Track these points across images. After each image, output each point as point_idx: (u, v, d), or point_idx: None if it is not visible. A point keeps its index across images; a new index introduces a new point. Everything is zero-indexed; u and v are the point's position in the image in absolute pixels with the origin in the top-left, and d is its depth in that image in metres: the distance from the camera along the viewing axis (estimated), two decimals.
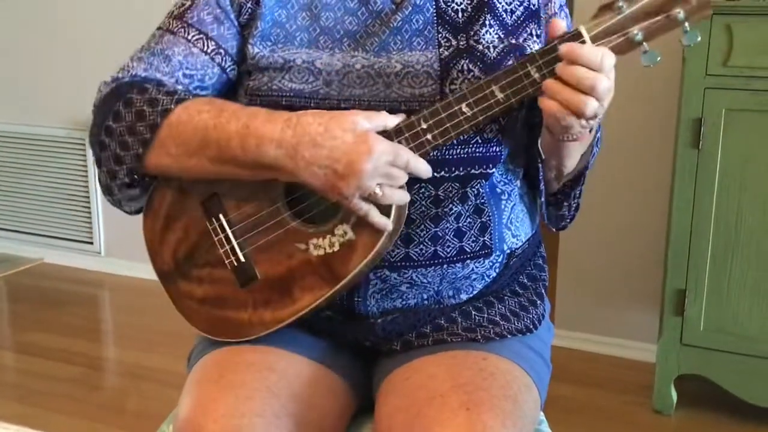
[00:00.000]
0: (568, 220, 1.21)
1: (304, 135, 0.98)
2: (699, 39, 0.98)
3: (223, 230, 1.08)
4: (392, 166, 0.99)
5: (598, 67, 0.95)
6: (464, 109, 1.01)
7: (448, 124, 1.01)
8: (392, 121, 1.01)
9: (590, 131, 1.04)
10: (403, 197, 1.02)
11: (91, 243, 3.46)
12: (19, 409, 2.33)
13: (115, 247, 3.39)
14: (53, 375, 2.54)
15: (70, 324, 2.92)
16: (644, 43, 0.98)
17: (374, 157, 0.97)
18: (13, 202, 3.60)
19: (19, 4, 3.38)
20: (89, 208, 3.41)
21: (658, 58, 0.98)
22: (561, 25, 1.00)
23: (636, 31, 0.97)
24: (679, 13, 0.96)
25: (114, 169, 1.09)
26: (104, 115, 1.09)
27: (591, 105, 0.95)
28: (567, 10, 1.18)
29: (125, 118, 1.07)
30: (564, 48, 0.96)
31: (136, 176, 1.09)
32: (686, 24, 0.97)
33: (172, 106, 1.05)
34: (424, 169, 1.02)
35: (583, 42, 0.97)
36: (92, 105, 1.12)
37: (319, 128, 0.98)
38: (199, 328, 1.13)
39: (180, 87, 1.11)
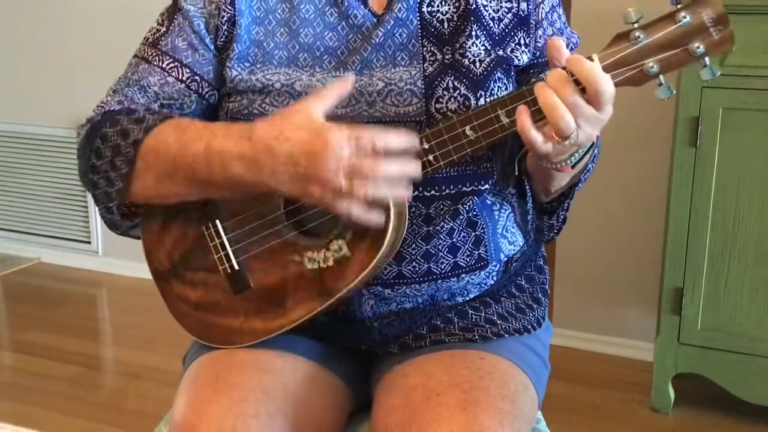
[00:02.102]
0: (555, 231, 1.17)
1: (260, 144, 0.95)
2: (718, 74, 0.93)
3: (219, 236, 1.07)
4: (359, 156, 0.92)
5: (594, 91, 0.91)
6: (468, 132, 0.98)
7: (450, 146, 0.98)
8: (340, 88, 0.96)
9: (570, 165, 1.00)
10: (384, 194, 0.94)
11: (89, 242, 3.46)
12: (17, 408, 2.33)
13: (113, 247, 3.38)
14: (50, 374, 2.54)
15: (68, 323, 2.91)
16: (660, 76, 0.94)
17: (334, 149, 0.91)
18: (11, 201, 3.59)
19: (18, 3, 3.38)
20: (87, 207, 3.40)
21: (674, 92, 0.95)
22: (556, 44, 0.94)
23: (652, 64, 0.93)
24: (699, 47, 0.92)
25: (109, 206, 1.09)
26: (87, 155, 1.08)
27: (558, 110, 0.91)
28: (561, 11, 1.15)
29: (105, 154, 1.06)
30: (570, 57, 0.92)
31: (125, 210, 1.09)
32: (706, 59, 0.93)
33: (141, 136, 1.03)
34: (398, 141, 0.94)
35: None
36: (75, 150, 1.12)
37: (273, 132, 0.95)
38: (190, 332, 1.13)
39: None
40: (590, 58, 0.93)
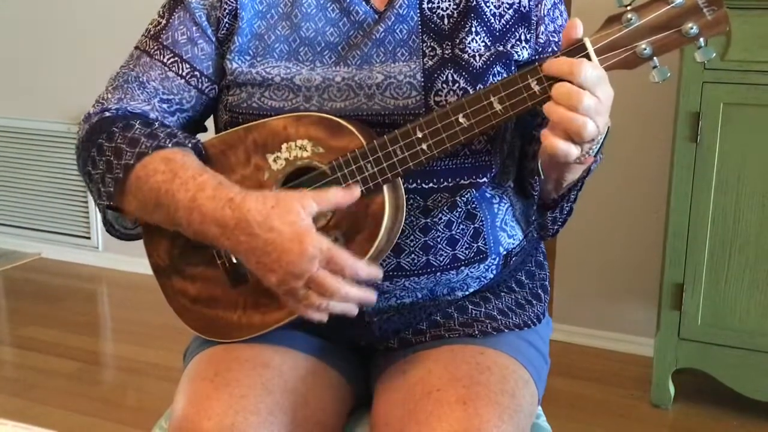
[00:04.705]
0: (560, 223, 1.17)
1: (243, 220, 0.96)
2: (714, 55, 0.93)
3: None
4: (327, 272, 0.95)
5: (580, 82, 0.90)
6: (461, 119, 0.97)
7: (443, 134, 0.98)
8: (343, 197, 0.97)
9: (592, 155, 0.99)
10: (333, 309, 0.98)
11: (89, 238, 3.46)
12: (17, 403, 2.33)
13: (113, 242, 3.34)
14: (51, 370, 2.54)
15: (68, 319, 2.91)
16: (654, 59, 0.93)
17: (307, 259, 0.94)
18: (11, 196, 3.59)
19: None
20: (87, 203, 3.40)
21: (668, 74, 0.94)
22: (572, 25, 0.94)
23: (644, 46, 0.92)
24: (692, 28, 0.91)
25: (101, 210, 1.10)
26: (84, 160, 1.10)
27: (577, 121, 0.90)
28: (562, 8, 1.15)
29: (98, 166, 1.07)
30: (545, 65, 0.92)
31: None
32: (700, 40, 0.92)
33: (133, 161, 1.03)
34: (367, 273, 0.97)
35: (587, 55, 0.93)
36: (75, 143, 1.13)
37: (258, 216, 0.95)
38: (190, 326, 1.13)
39: (155, 114, 1.11)
40: (582, 42, 0.93)
